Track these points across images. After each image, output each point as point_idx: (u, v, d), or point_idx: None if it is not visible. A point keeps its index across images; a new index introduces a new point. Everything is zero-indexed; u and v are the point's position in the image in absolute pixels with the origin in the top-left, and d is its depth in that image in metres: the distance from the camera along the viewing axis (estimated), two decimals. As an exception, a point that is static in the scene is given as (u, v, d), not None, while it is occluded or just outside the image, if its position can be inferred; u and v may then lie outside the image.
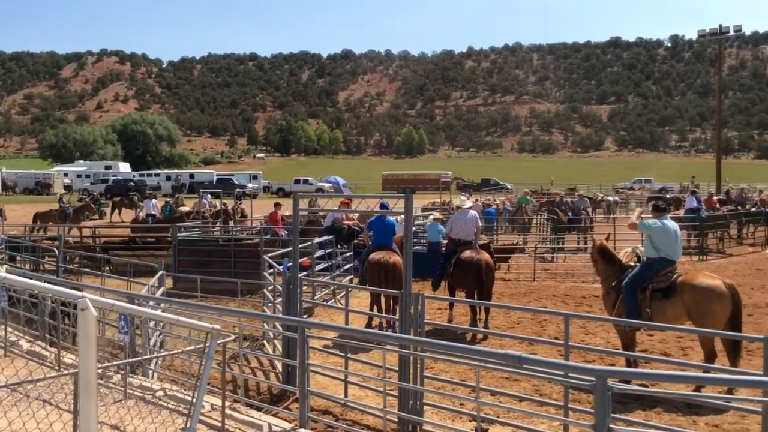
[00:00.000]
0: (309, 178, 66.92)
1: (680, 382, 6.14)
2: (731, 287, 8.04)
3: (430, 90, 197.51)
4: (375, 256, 11.66)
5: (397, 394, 6.89)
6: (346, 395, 7.51)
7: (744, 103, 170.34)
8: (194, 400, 4.77)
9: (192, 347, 6.55)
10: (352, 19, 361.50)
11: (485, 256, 12.06)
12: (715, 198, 28.32)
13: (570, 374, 5.31)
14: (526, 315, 12.15)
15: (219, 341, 5.30)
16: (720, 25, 48.44)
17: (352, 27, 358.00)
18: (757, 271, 18.20)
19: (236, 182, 58.66)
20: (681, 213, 23.98)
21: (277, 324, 9.13)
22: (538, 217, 26.86)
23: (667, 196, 40.27)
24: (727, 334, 7.48)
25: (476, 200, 30.02)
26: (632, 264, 8.90)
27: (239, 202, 25.92)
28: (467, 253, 11.85)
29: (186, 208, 26.82)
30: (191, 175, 69.26)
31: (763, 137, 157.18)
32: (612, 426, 4.27)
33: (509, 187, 68.80)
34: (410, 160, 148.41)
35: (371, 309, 11.80)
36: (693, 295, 7.99)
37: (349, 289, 12.03)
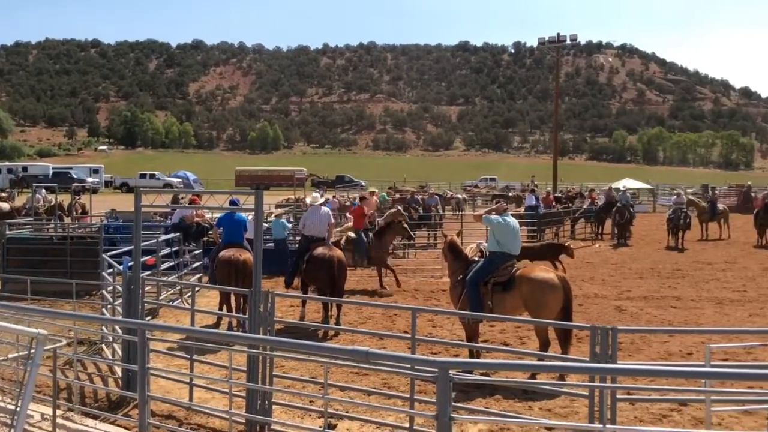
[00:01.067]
0: (156, 173, 64.14)
1: (517, 371, 6.47)
2: (563, 279, 8.62)
3: (285, 85, 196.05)
4: (225, 253, 11.36)
5: (245, 394, 6.75)
6: (191, 399, 7.26)
7: (578, 108, 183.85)
8: (18, 409, 4.39)
9: (17, 354, 6.04)
10: (203, 8, 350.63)
11: (338, 252, 12.12)
12: (551, 196, 30.31)
13: (416, 367, 5.43)
14: (377, 310, 12.33)
15: (48, 347, 4.92)
16: (558, 34, 51.91)
17: (204, 16, 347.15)
18: (587, 264, 19.65)
19: (74, 176, 55.00)
20: (521, 210, 25.42)
21: (116, 327, 8.64)
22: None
23: (510, 194, 42.57)
24: (559, 323, 8.01)
25: (333, 197, 30.18)
26: (477, 259, 9.29)
27: (78, 197, 24.30)
28: (320, 250, 11.84)
29: (5, 205, 24.51)
30: (24, 168, 64.02)
31: (595, 140, 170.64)
32: (453, 415, 4.40)
33: (363, 184, 69.77)
34: (264, 155, 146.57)
35: (221, 308, 11.49)
36: (530, 288, 8.48)
37: (197, 288, 11.64)
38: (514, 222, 9.22)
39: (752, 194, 44.21)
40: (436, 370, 4.37)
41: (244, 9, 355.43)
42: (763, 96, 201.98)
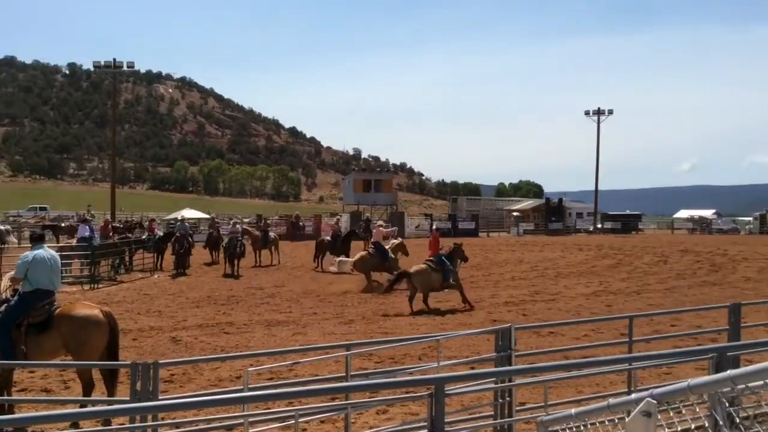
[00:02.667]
0: None
1: (47, 423, 5.75)
2: (108, 314, 8.06)
3: None
4: None
5: None
6: None
7: (140, 136, 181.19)
8: None
9: None
10: None
11: None
12: (109, 226, 28.91)
13: None
14: None
15: None
16: (114, 60, 50.31)
17: None
18: (144, 295, 19.13)
19: None
20: (74, 242, 23.60)
21: None
22: None
23: (63, 224, 39.37)
24: (99, 364, 7.48)
25: None
26: (9, 298, 8.15)
27: None
28: None
29: None
30: None
31: (157, 169, 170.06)
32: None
33: None
34: None
35: None
36: (70, 327, 7.73)
37: None
38: (49, 254, 8.32)
39: (300, 223, 49.25)
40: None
41: None
42: (308, 136, 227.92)
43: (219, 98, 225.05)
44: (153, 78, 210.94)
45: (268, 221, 34.84)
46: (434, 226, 26.41)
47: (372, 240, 22.33)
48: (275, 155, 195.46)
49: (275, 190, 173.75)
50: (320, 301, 17.86)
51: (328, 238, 27.21)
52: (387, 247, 21.51)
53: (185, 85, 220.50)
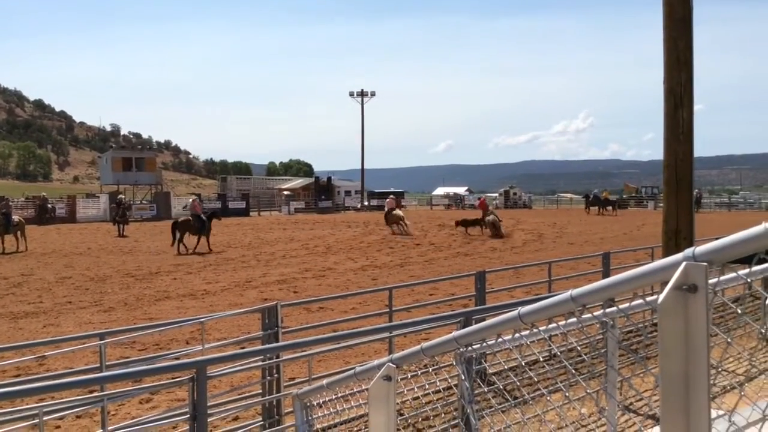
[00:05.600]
0: None
1: None
2: None
3: None
4: None
5: None
6: None
7: None
8: None
9: None
10: None
11: None
12: None
13: None
14: None
15: None
16: None
17: None
18: None
19: None
20: None
21: None
22: None
23: None
24: None
25: None
26: None
27: None
28: None
29: None
30: None
31: None
32: None
33: None
34: None
35: None
36: None
37: None
38: None
39: (49, 205, 44.99)
40: None
41: None
42: (57, 110, 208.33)
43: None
44: None
45: (11, 203, 31.27)
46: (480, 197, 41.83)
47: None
48: (19, 130, 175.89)
49: (20, 169, 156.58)
50: (75, 289, 16.54)
51: (189, 218, 25.65)
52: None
53: None
